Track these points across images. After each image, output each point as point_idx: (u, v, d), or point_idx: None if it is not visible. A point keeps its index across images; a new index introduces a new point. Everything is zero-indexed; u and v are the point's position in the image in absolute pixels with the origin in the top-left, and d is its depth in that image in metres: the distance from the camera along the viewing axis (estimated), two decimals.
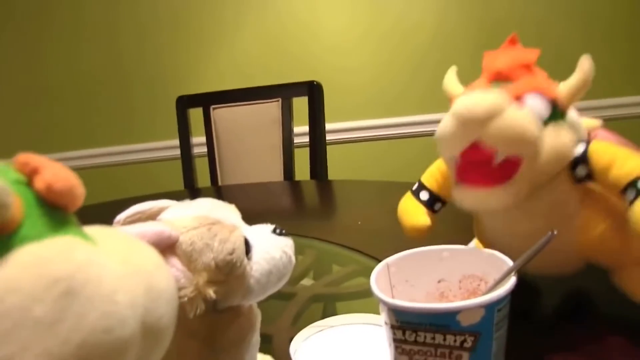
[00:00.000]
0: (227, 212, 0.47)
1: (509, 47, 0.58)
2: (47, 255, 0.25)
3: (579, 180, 0.55)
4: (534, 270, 0.59)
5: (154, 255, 0.32)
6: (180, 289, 0.41)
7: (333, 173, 1.75)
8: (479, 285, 0.52)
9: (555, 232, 0.46)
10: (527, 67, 0.55)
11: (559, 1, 2.29)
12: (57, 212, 0.28)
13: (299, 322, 0.71)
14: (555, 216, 0.56)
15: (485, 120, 0.50)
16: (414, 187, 0.67)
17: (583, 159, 0.54)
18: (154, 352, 0.31)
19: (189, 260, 0.42)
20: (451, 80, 0.62)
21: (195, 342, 0.44)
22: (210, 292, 0.41)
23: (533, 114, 0.52)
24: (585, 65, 0.53)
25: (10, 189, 0.25)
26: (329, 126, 1.77)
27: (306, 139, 1.70)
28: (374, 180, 1.43)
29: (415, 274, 0.54)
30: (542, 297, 0.66)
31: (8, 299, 0.23)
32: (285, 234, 0.49)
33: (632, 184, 0.50)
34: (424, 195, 0.66)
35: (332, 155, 1.80)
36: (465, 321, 0.43)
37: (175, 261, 0.42)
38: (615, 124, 0.71)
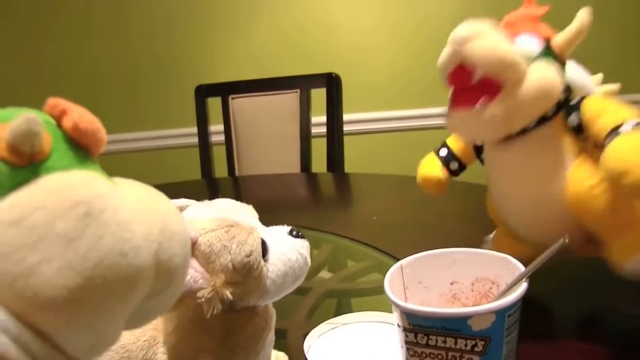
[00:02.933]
0: (244, 214, 0.48)
1: (525, 5, 0.61)
2: (71, 182, 0.28)
3: (574, 130, 0.57)
4: (525, 231, 0.61)
5: (169, 202, 0.35)
6: (198, 289, 0.42)
7: (350, 163, 1.76)
8: (491, 288, 0.53)
9: (567, 240, 0.46)
10: (533, 19, 0.59)
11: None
12: (82, 152, 0.30)
13: (313, 318, 0.72)
14: (547, 159, 0.58)
15: (468, 39, 0.53)
16: (438, 146, 0.71)
17: (576, 107, 0.56)
18: (165, 292, 0.33)
19: (207, 262, 0.43)
20: None
21: (212, 340, 0.45)
22: (228, 293, 0.42)
23: (518, 47, 0.55)
24: (583, 15, 0.57)
25: (41, 120, 0.27)
26: (347, 117, 1.76)
27: (324, 129, 1.71)
28: (391, 174, 1.44)
29: (429, 276, 0.54)
30: (553, 305, 0.66)
31: (34, 214, 0.26)
32: (302, 236, 0.50)
33: (612, 131, 0.51)
34: (443, 152, 0.71)
35: (350, 145, 1.80)
36: (476, 326, 0.43)
37: (193, 262, 0.43)
38: None
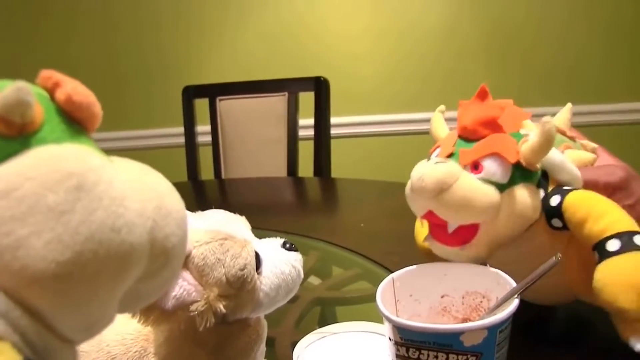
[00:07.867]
0: (238, 225, 0.48)
1: (477, 101, 0.57)
2: (63, 154, 0.27)
3: (558, 229, 0.55)
4: (531, 298, 0.59)
5: (166, 181, 0.33)
6: (191, 302, 0.42)
7: (337, 167, 1.76)
8: (481, 302, 0.53)
9: (560, 257, 0.47)
10: (492, 124, 0.55)
11: None
12: (75, 126, 0.29)
13: (301, 326, 0.72)
14: (538, 255, 0.56)
15: (434, 193, 0.51)
16: None
17: (558, 211, 0.53)
18: (161, 274, 0.32)
19: (200, 275, 0.43)
20: (437, 123, 0.63)
21: (204, 352, 0.45)
22: (221, 306, 0.42)
23: (486, 181, 0.52)
24: (546, 126, 0.52)
25: (32, 90, 0.27)
26: (335, 120, 1.75)
27: (311, 132, 1.70)
28: (378, 180, 1.44)
29: (420, 289, 0.55)
30: (543, 318, 0.66)
31: (25, 185, 0.25)
32: (295, 249, 0.50)
33: (598, 245, 0.50)
34: None
35: (338, 149, 1.79)
36: (468, 341, 0.44)
37: (187, 275, 0.43)
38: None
